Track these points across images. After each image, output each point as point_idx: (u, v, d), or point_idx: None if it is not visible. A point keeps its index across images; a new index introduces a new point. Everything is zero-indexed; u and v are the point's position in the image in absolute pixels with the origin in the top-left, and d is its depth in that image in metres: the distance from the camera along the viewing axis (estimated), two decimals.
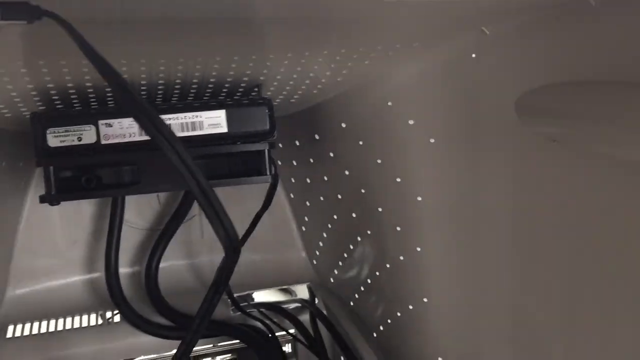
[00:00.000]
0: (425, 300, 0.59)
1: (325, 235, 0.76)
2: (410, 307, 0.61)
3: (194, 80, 0.51)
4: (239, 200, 0.67)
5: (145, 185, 0.51)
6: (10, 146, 0.62)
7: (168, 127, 0.29)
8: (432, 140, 0.53)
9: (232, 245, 0.34)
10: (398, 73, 0.53)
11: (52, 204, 0.50)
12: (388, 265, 0.63)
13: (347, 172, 0.64)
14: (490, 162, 0.49)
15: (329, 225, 0.73)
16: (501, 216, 0.49)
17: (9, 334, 0.70)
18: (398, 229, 0.59)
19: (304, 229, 0.82)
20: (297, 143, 0.71)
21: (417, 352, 0.62)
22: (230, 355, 0.75)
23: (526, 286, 0.48)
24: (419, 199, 0.56)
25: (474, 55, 0.47)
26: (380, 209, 0.61)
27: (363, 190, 0.62)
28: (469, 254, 0.53)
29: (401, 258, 0.60)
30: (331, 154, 0.65)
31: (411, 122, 0.54)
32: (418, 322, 0.61)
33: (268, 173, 0.54)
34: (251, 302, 0.76)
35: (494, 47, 0.46)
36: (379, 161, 0.58)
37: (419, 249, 0.58)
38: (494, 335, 0.53)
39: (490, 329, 0.53)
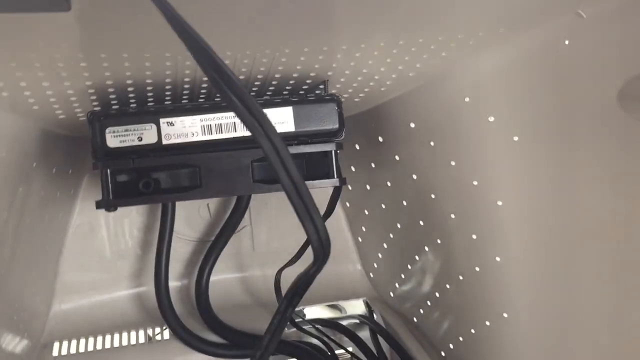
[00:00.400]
0: (505, 315, 0.53)
1: (385, 246, 0.71)
2: (487, 323, 0.55)
3: (258, 76, 0.47)
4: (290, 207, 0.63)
5: (206, 189, 0.48)
6: (61, 152, 0.59)
7: (261, 109, 0.25)
8: (515, 138, 0.48)
9: (323, 247, 0.30)
10: (478, 64, 0.48)
11: (108, 210, 0.46)
12: (461, 277, 0.58)
13: (414, 177, 0.59)
14: (586, 161, 0.44)
15: (391, 235, 0.68)
16: (601, 221, 0.43)
17: (55, 352, 0.67)
18: (474, 237, 0.54)
19: (360, 239, 0.77)
20: (357, 147, 0.67)
21: None
22: None
23: (631, 303, 0.42)
24: (500, 203, 0.51)
25: (567, 42, 0.43)
26: (453, 216, 0.56)
27: (433, 196, 0.58)
28: (560, 264, 0.48)
29: (477, 269, 0.55)
30: (397, 157, 0.61)
31: (491, 118, 0.49)
32: (496, 340, 0.55)
33: (336, 176, 0.50)
34: (305, 318, 0.72)
35: (592, 31, 0.41)
36: (452, 163, 0.54)
37: (498, 259, 0.52)
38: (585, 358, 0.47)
39: (581, 351, 0.47)
